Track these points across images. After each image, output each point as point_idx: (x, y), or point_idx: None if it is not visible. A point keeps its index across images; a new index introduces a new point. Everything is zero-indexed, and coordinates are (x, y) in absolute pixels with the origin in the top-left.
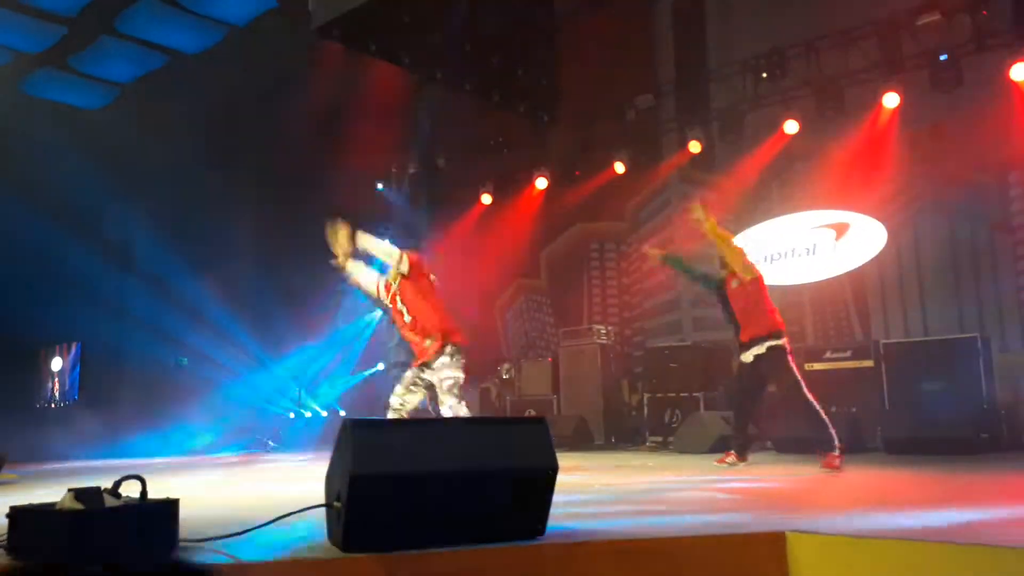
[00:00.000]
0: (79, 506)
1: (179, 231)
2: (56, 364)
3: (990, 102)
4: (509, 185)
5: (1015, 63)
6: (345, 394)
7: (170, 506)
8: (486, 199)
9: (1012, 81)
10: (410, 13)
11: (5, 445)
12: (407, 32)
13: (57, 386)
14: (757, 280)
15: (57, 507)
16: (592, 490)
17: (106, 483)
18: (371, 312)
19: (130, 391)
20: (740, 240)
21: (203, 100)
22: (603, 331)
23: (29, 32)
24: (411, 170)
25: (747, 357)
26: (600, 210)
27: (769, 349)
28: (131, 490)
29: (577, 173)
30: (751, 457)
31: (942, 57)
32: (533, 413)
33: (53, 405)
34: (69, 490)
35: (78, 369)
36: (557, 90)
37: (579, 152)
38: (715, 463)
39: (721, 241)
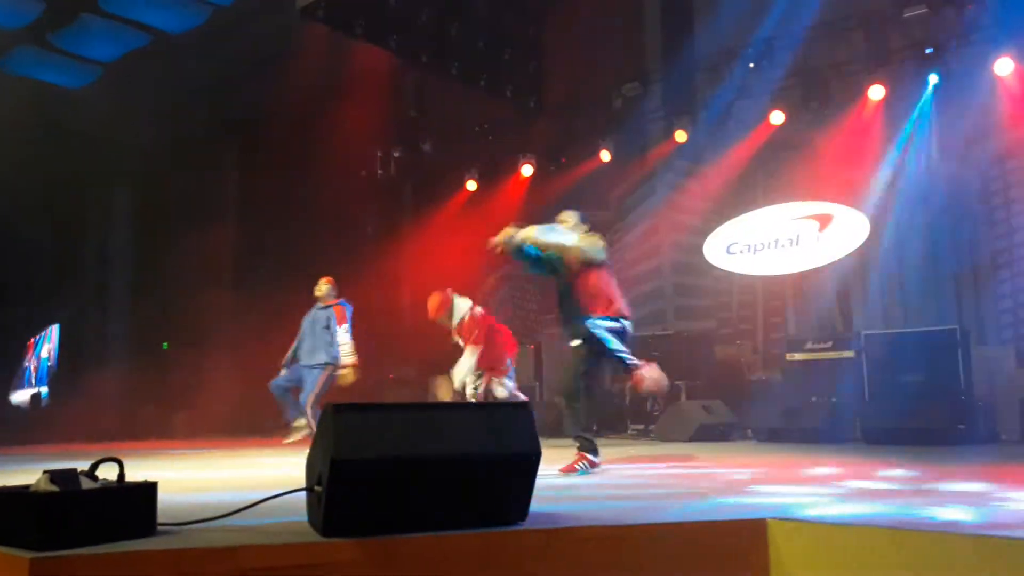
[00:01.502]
0: (54, 488)
1: (161, 212)
2: (37, 348)
3: (972, 97)
4: (494, 171)
5: (999, 58)
6: None
7: (148, 489)
8: (471, 185)
9: (996, 75)
10: None
11: None
12: (393, 14)
13: (35, 370)
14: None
15: (32, 489)
16: (574, 476)
17: (84, 466)
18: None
19: (111, 375)
20: (723, 230)
21: (187, 80)
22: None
23: (6, 7)
24: (396, 154)
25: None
26: (585, 198)
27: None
28: (109, 473)
29: (563, 160)
30: (733, 445)
31: (928, 51)
32: None
33: (32, 386)
34: (45, 472)
35: (57, 353)
36: (544, 76)
37: (565, 139)
38: (560, 472)
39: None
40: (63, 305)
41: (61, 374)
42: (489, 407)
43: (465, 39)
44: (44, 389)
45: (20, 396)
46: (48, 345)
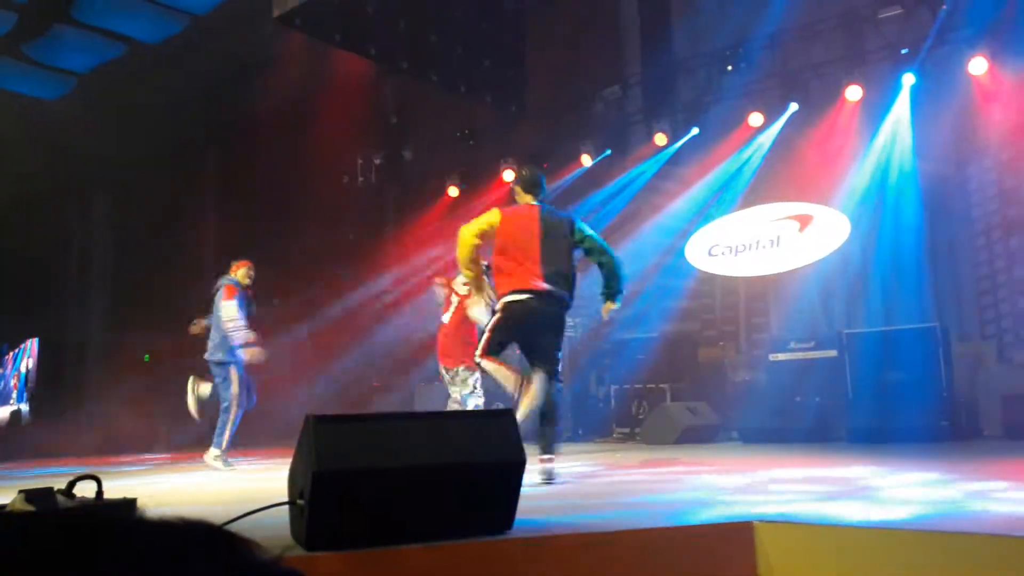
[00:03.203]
0: (30, 508)
1: (140, 222)
2: (16, 361)
3: (950, 95)
4: (476, 177)
5: (973, 57)
6: None
7: (127, 507)
8: (453, 191)
9: (971, 75)
10: (374, 2)
11: None
12: (371, 21)
13: (15, 385)
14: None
15: (7, 509)
16: (560, 483)
17: (60, 484)
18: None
19: (92, 388)
20: (704, 232)
21: (163, 90)
22: (571, 323)
23: None
24: (377, 161)
25: None
26: (567, 202)
27: None
28: (88, 491)
29: (545, 165)
30: (718, 447)
31: (903, 51)
32: (500, 406)
33: (12, 403)
34: (20, 491)
35: (36, 366)
36: (524, 81)
37: (547, 144)
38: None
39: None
40: (42, 317)
41: (40, 388)
42: (473, 415)
43: (444, 46)
44: (24, 407)
45: None
46: (27, 359)
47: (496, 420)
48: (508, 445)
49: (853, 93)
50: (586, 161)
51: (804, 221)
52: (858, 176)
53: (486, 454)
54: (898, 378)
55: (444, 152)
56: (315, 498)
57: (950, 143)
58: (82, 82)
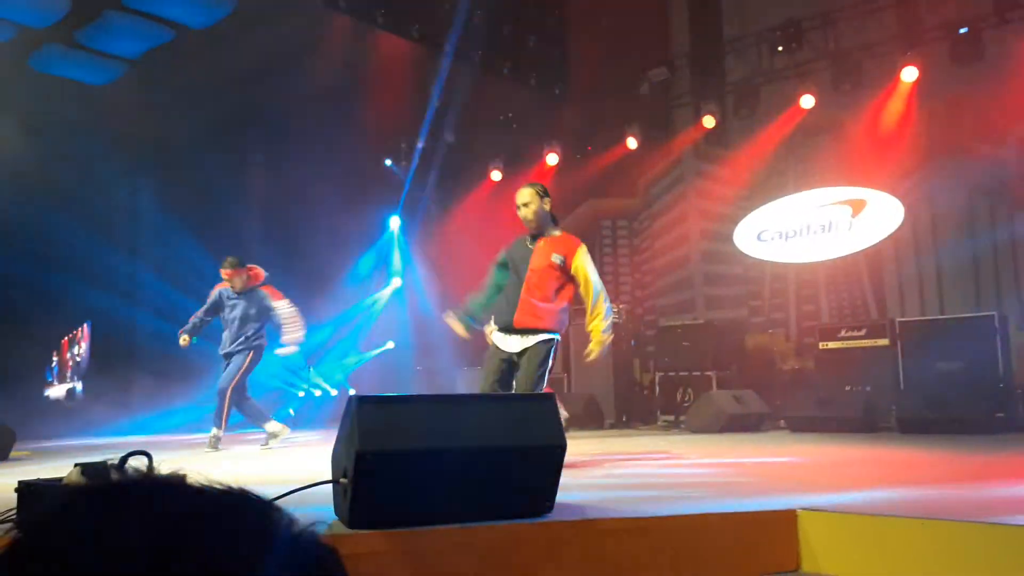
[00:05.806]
0: (85, 481)
1: (188, 208)
2: (71, 344)
3: (1010, 76)
4: (519, 161)
5: None
6: (355, 372)
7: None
8: (496, 175)
9: None
10: None
11: (18, 423)
12: (415, 3)
13: (69, 365)
14: None
15: (64, 482)
16: (602, 468)
17: (113, 459)
18: (379, 289)
19: (141, 370)
20: (753, 217)
21: (211, 75)
22: (615, 309)
23: (33, 6)
24: (420, 145)
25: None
26: (612, 186)
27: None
28: (139, 466)
29: (589, 148)
30: (764, 435)
31: (962, 30)
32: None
33: (66, 383)
34: (76, 465)
35: (88, 348)
36: (568, 62)
37: (591, 126)
38: None
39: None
40: (94, 301)
41: (94, 369)
42: (514, 399)
43: (489, 27)
44: (79, 384)
45: (56, 391)
46: (81, 342)
47: (537, 404)
48: (549, 429)
49: (909, 74)
50: (631, 144)
51: (858, 206)
52: (913, 159)
53: (527, 438)
54: (952, 368)
55: (487, 135)
56: (358, 477)
57: (1010, 125)
58: (131, 67)
